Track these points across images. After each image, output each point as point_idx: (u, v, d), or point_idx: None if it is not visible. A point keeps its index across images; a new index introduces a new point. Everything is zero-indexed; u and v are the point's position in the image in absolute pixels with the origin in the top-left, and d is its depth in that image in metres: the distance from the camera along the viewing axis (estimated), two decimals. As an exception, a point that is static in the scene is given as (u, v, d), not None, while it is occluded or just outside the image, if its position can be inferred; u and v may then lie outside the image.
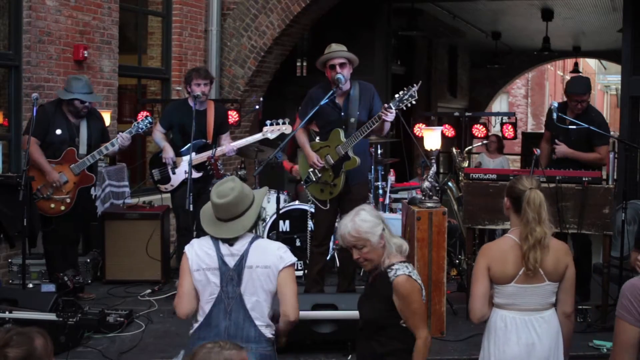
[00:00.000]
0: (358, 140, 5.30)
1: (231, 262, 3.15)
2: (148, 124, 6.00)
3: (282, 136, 6.04)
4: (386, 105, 5.12)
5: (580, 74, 7.22)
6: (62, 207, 5.72)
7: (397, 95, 5.14)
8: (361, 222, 3.18)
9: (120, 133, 5.92)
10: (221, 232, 3.20)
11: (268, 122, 6.04)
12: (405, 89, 5.07)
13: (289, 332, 3.34)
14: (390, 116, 5.10)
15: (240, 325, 3.11)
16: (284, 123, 6.00)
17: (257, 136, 6.10)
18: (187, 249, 3.26)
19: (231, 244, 3.19)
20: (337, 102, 5.45)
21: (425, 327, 3.19)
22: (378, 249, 3.19)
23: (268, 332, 3.18)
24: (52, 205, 5.69)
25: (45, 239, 5.85)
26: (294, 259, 3.23)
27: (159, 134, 6.18)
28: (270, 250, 3.21)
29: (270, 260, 3.17)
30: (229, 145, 6.09)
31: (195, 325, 3.21)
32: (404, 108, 5.16)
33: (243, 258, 3.15)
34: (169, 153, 6.03)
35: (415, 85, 5.05)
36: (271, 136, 6.03)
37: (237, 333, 3.10)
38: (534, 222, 3.18)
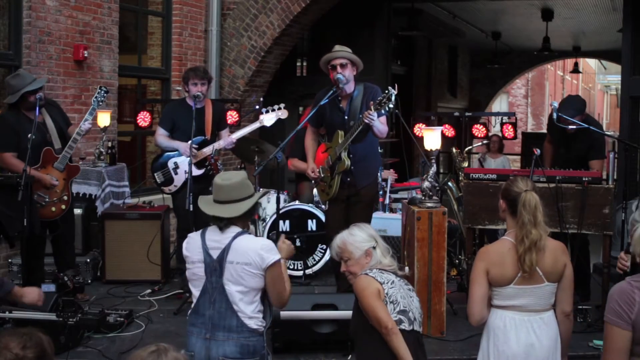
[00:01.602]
0: (347, 143, 5.30)
1: (215, 253, 3.26)
2: (104, 94, 5.85)
3: (282, 136, 6.04)
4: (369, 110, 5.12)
5: (578, 95, 7.19)
6: (63, 207, 5.67)
7: (376, 101, 5.11)
8: (349, 235, 3.40)
9: (82, 123, 5.66)
10: (216, 211, 3.31)
11: (264, 109, 6.06)
12: (385, 92, 5.03)
13: (289, 330, 3.44)
14: (369, 119, 5.08)
15: (223, 314, 3.22)
16: (279, 108, 6.02)
17: (255, 125, 6.10)
18: (183, 248, 3.43)
19: (221, 229, 3.29)
20: (341, 105, 5.46)
21: (387, 320, 3.15)
22: (362, 264, 3.34)
23: (253, 323, 3.25)
24: (53, 209, 5.61)
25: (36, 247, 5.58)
26: (276, 256, 3.27)
27: (162, 137, 6.14)
28: (251, 248, 3.25)
29: (251, 258, 3.23)
30: (227, 138, 6.09)
31: (190, 311, 3.36)
32: (383, 112, 5.14)
33: (225, 252, 3.24)
34: (184, 147, 5.94)
35: (392, 89, 4.99)
36: (268, 123, 6.02)
37: (219, 322, 3.22)
38: (529, 225, 3.18)
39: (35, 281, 5.49)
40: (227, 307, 3.21)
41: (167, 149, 6.14)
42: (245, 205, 3.30)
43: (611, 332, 2.68)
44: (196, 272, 3.30)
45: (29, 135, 5.33)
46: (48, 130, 5.63)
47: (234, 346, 3.19)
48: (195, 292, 3.31)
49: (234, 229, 3.30)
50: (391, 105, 5.01)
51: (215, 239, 3.28)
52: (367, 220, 5.56)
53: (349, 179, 5.43)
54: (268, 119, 6.00)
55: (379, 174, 5.88)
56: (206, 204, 3.38)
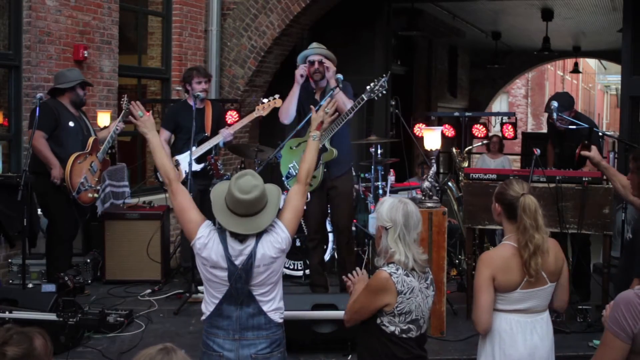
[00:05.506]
0: (333, 133, 5.40)
1: (239, 261, 3.15)
2: (127, 103, 5.98)
3: (282, 136, 6.05)
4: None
5: (566, 91, 7.23)
6: (95, 195, 5.88)
7: (368, 87, 5.28)
8: (380, 204, 3.25)
9: (118, 123, 6.06)
10: (239, 227, 3.16)
11: (260, 102, 6.28)
12: (375, 80, 5.23)
13: (289, 330, 3.46)
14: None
15: (251, 314, 3.21)
16: (274, 98, 6.22)
17: (252, 115, 6.31)
18: (199, 243, 3.24)
19: (241, 240, 3.16)
20: (316, 97, 5.63)
21: (349, 316, 3.24)
22: (378, 236, 3.23)
23: (277, 317, 3.27)
24: (90, 195, 5.78)
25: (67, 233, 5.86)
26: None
27: (163, 146, 6.21)
28: (276, 238, 3.20)
29: (275, 252, 3.18)
30: (225, 131, 6.25)
31: (207, 314, 3.26)
32: (376, 98, 5.32)
33: (250, 257, 3.15)
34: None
35: (385, 75, 5.25)
36: (264, 113, 6.23)
37: (248, 322, 3.21)
38: (532, 229, 3.12)
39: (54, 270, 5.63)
40: (254, 307, 3.20)
41: None
42: (265, 219, 3.18)
43: (610, 341, 2.61)
44: (217, 274, 3.18)
45: (69, 123, 5.69)
46: (83, 124, 5.86)
47: (264, 343, 3.20)
48: (214, 293, 3.22)
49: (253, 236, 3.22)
50: (384, 92, 5.24)
51: (238, 248, 3.17)
52: (349, 212, 5.77)
53: (325, 170, 5.50)
54: (263, 109, 6.21)
55: (352, 168, 5.96)
56: (224, 216, 3.19)
